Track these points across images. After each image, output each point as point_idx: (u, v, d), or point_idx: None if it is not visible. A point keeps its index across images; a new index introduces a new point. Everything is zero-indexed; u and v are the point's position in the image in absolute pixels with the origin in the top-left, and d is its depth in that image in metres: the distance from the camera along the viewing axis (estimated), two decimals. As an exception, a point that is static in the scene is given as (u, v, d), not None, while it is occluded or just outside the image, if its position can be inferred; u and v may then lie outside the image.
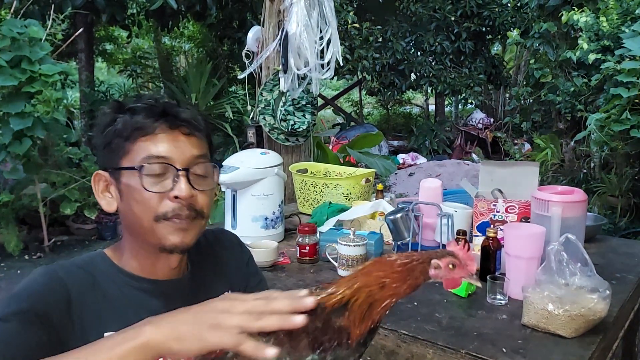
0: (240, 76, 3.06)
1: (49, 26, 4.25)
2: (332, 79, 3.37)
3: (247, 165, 1.96)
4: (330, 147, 6.22)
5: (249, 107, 3.29)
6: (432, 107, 11.50)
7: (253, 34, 2.98)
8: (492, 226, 1.72)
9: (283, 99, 2.88)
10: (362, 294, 0.74)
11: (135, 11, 6.83)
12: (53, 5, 4.63)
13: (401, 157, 8.26)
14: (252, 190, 1.98)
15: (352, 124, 9.61)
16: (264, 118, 2.94)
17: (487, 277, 1.51)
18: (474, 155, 8.56)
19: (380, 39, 7.98)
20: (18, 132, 3.80)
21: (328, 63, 2.76)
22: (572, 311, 1.26)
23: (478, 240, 1.75)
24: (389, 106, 12.45)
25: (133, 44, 9.76)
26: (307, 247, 1.82)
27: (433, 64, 8.33)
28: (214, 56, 8.04)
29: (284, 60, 2.70)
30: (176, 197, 0.86)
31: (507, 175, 1.92)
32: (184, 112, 0.90)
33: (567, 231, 1.44)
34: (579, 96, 5.23)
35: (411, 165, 7.75)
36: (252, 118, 3.10)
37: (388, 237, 1.89)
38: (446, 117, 10.84)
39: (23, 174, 4.22)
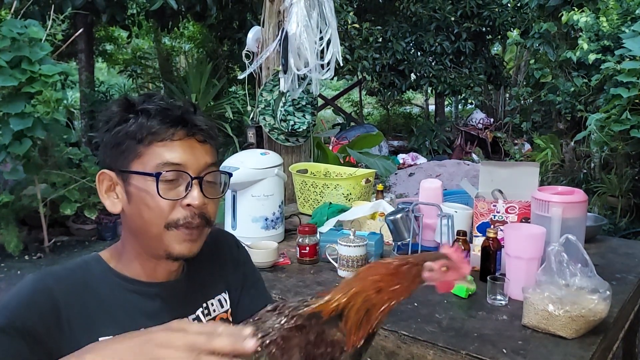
0: (240, 76, 3.06)
1: (49, 26, 4.25)
2: (332, 79, 3.37)
3: (247, 165, 1.96)
4: (331, 148, 6.22)
5: (249, 108, 3.29)
6: (432, 108, 11.50)
7: (253, 34, 2.98)
8: (492, 227, 1.72)
9: (283, 99, 2.88)
10: (358, 300, 0.74)
11: (135, 11, 6.83)
12: (53, 6, 4.63)
13: (401, 157, 8.26)
14: (252, 191, 1.98)
15: (352, 124, 9.62)
16: (264, 118, 2.94)
17: (488, 277, 1.50)
18: (474, 156, 8.56)
19: (380, 39, 7.99)
20: (18, 132, 3.80)
21: (328, 63, 2.76)
22: (572, 312, 1.26)
23: (478, 241, 1.75)
24: (389, 106, 12.45)
25: (133, 44, 9.76)
26: (307, 248, 1.82)
27: (433, 64, 8.34)
28: (214, 56, 8.04)
29: (284, 60, 2.70)
30: (188, 205, 0.86)
31: (507, 175, 1.92)
32: (199, 120, 0.89)
33: (567, 232, 1.44)
34: (579, 96, 5.23)
35: (411, 166, 7.75)
36: (252, 118, 3.10)
37: (388, 237, 1.89)
38: (446, 117, 10.84)
39: (23, 175, 4.22)
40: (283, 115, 2.89)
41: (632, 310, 1.65)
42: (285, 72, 2.73)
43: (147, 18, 7.09)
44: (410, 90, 9.43)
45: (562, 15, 4.67)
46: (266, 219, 2.00)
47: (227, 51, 8.14)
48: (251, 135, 3.03)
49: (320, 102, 9.05)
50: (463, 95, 8.85)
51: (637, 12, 4.03)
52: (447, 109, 11.38)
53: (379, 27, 8.14)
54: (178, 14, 6.36)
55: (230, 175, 0.96)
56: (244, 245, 1.16)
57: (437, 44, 8.18)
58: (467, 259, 0.80)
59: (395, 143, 9.85)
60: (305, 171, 2.52)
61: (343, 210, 2.12)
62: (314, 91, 2.95)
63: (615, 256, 1.90)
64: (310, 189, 2.36)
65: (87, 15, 5.69)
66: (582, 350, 1.24)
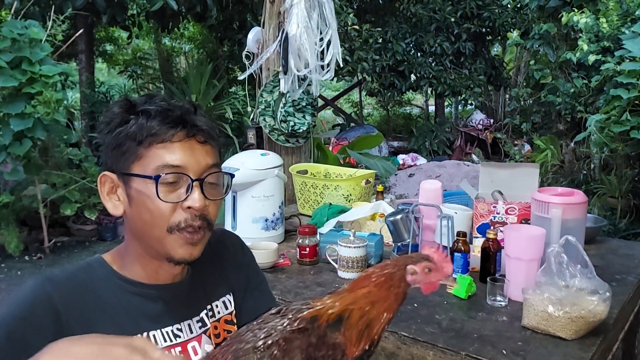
0: (241, 77, 3.07)
1: (49, 27, 4.26)
2: (332, 80, 3.37)
3: (247, 166, 1.96)
4: (331, 148, 6.22)
5: (249, 108, 3.30)
6: (432, 108, 11.50)
7: (253, 35, 2.98)
8: (492, 228, 1.73)
9: (283, 100, 2.88)
10: (354, 312, 0.74)
11: (135, 12, 6.83)
12: (53, 6, 4.64)
13: (401, 158, 8.26)
14: (253, 192, 1.98)
15: (352, 125, 9.62)
16: (264, 119, 2.94)
17: (487, 278, 1.51)
18: (474, 156, 8.56)
19: (380, 41, 7.99)
20: (18, 133, 3.81)
21: (328, 64, 2.76)
22: (572, 313, 1.26)
23: (478, 242, 1.75)
24: (389, 107, 12.45)
25: (133, 44, 9.76)
26: (307, 249, 1.82)
27: (433, 65, 8.34)
28: (214, 57, 8.04)
29: (284, 61, 2.70)
30: (189, 207, 0.85)
31: (507, 176, 1.93)
32: (200, 120, 0.88)
33: (567, 233, 1.44)
34: (579, 97, 5.23)
35: (411, 166, 7.75)
36: (252, 119, 3.11)
37: (388, 238, 1.89)
38: (446, 118, 10.84)
39: (23, 175, 4.22)
40: (283, 116, 2.89)
41: (632, 312, 1.65)
42: (285, 73, 2.74)
43: (147, 19, 7.09)
44: (410, 91, 9.44)
45: (562, 16, 4.68)
46: (266, 220, 2.00)
47: (227, 52, 8.15)
48: (251, 136, 3.03)
49: (320, 102, 9.05)
50: (463, 96, 8.85)
51: (637, 13, 4.03)
52: (447, 110, 11.38)
53: (379, 29, 8.14)
54: (178, 14, 6.36)
55: (232, 176, 0.95)
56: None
57: (437, 44, 8.19)
58: (448, 257, 0.79)
59: (395, 144, 9.85)
60: (306, 172, 2.52)
61: (343, 211, 2.13)
62: (314, 92, 2.95)
63: (615, 257, 1.90)
64: (311, 189, 2.36)
65: (88, 15, 5.69)
66: (582, 351, 1.24)
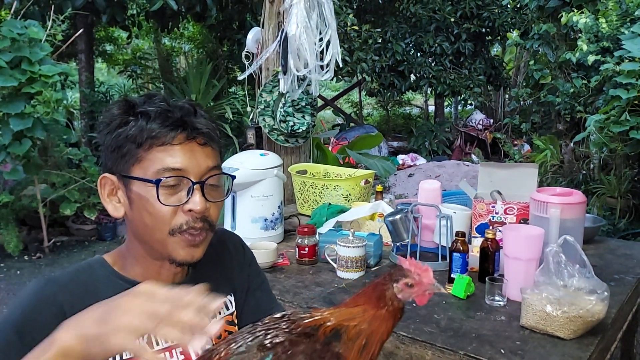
0: (240, 77, 3.07)
1: (49, 27, 4.26)
2: (331, 80, 3.38)
3: (247, 166, 1.96)
4: (330, 148, 6.23)
5: (248, 108, 3.30)
6: (431, 108, 11.51)
7: (253, 35, 2.98)
8: (491, 227, 1.73)
9: (283, 100, 2.88)
10: (351, 328, 0.74)
11: (135, 12, 6.84)
12: (53, 6, 4.64)
13: (401, 158, 8.27)
14: (252, 192, 1.98)
15: (352, 125, 9.62)
16: (264, 119, 2.95)
17: (486, 278, 1.51)
18: (473, 156, 8.57)
19: (379, 41, 8.00)
20: (18, 132, 3.81)
21: (327, 64, 2.77)
22: (570, 312, 1.26)
23: (477, 242, 1.75)
24: (388, 107, 12.46)
25: (133, 44, 9.77)
26: (307, 249, 1.83)
27: (433, 65, 8.35)
28: (213, 57, 8.04)
29: (284, 61, 2.70)
30: (190, 210, 0.85)
31: (506, 176, 1.93)
32: (200, 122, 0.88)
33: (565, 233, 1.45)
34: (579, 97, 5.24)
35: (411, 166, 7.75)
36: (252, 119, 3.11)
37: (387, 238, 1.90)
38: (446, 118, 10.85)
39: (23, 175, 4.23)
40: (282, 116, 2.89)
41: (630, 311, 1.65)
42: (284, 73, 2.74)
43: (147, 18, 7.09)
44: (410, 91, 9.44)
45: (562, 16, 4.68)
46: (265, 220, 2.00)
47: (227, 52, 8.15)
48: (251, 136, 3.03)
49: (320, 102, 9.05)
50: (463, 96, 8.86)
51: (636, 13, 4.04)
52: (446, 110, 11.39)
53: (379, 29, 8.14)
54: (178, 14, 6.36)
55: (234, 177, 0.95)
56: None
57: (436, 44, 8.19)
58: (425, 266, 0.79)
59: (395, 144, 9.86)
60: (305, 172, 2.52)
61: (342, 211, 2.13)
62: (314, 92, 2.95)
63: (613, 257, 1.90)
64: (310, 189, 2.36)
65: (87, 15, 5.70)
66: (580, 350, 1.24)
